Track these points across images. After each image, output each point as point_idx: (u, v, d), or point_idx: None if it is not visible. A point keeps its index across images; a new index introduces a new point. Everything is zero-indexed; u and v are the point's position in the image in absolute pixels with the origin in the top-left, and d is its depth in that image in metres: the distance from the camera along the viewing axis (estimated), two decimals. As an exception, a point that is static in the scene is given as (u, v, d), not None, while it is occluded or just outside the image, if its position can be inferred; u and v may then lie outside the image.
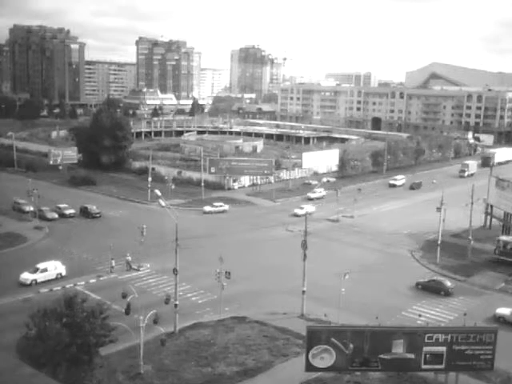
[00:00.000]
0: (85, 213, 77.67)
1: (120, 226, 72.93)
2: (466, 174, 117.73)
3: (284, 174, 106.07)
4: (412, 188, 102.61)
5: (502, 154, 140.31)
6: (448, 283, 53.34)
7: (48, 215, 74.94)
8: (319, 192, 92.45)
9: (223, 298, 46.39)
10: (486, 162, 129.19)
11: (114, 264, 56.32)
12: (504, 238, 63.58)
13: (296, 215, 78.13)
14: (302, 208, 79.12)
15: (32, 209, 76.31)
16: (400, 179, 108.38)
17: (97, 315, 33.53)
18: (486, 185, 73.84)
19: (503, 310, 46.94)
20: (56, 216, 75.62)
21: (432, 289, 52.83)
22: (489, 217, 75.33)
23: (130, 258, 57.36)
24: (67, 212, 77.33)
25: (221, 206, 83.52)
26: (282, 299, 49.30)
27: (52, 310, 33.23)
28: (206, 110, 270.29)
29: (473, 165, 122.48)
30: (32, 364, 32.93)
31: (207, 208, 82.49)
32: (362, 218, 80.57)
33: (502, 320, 46.16)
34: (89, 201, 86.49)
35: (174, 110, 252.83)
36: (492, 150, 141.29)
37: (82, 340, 32.38)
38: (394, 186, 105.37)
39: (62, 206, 78.63)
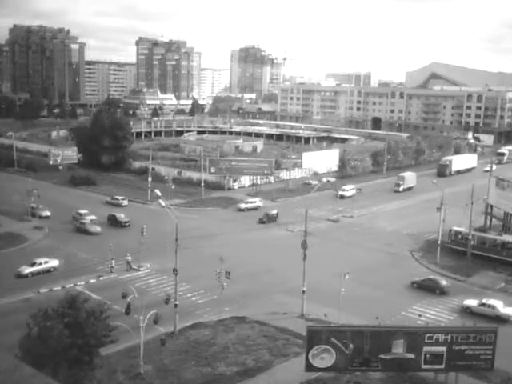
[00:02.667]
0: (113, 221, 72.66)
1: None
2: (401, 188, 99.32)
3: (284, 174, 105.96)
4: (262, 221, 76.36)
5: (459, 161, 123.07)
6: (443, 282, 53.55)
7: (91, 229, 68.97)
8: (252, 202, 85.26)
9: (223, 298, 46.41)
10: (442, 171, 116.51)
11: (113, 264, 56.34)
12: (456, 228, 66.18)
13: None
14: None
15: (49, 213, 74.55)
16: (349, 189, 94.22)
17: (98, 315, 33.50)
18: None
19: (470, 302, 48.50)
20: (99, 230, 69.14)
21: (427, 287, 53.05)
22: (489, 217, 75.25)
23: (130, 258, 57.40)
24: (88, 218, 72.77)
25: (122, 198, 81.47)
26: (282, 299, 49.31)
27: (54, 310, 33.20)
28: (205, 110, 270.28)
29: (410, 177, 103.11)
30: (32, 364, 32.92)
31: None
32: (361, 218, 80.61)
33: (468, 311, 47.79)
34: (89, 201, 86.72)
35: (174, 110, 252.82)
36: (448, 158, 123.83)
37: (83, 340, 32.36)
38: (342, 197, 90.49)
39: (82, 212, 74.48)
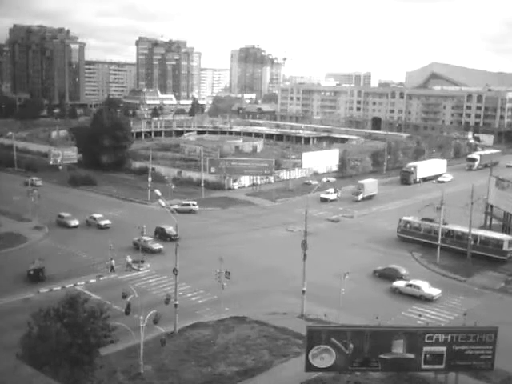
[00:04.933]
0: (162, 235, 66.50)
1: (122, 227, 72.71)
2: (361, 196, 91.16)
3: (284, 174, 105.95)
4: (29, 275, 52.58)
5: (425, 167, 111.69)
6: (403, 271, 55.91)
7: (154, 247, 62.58)
8: (185, 205, 79.50)
9: (223, 298, 46.40)
10: (405, 178, 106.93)
11: (114, 264, 56.13)
12: (405, 218, 70.49)
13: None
14: None
15: (77, 223, 71.94)
16: (332, 193, 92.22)
17: (97, 315, 33.49)
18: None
19: (399, 283, 52.87)
20: (162, 247, 62.75)
21: (388, 276, 55.41)
22: (489, 217, 75.29)
23: (130, 260, 57.14)
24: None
25: None
26: (281, 299, 49.30)
27: (54, 310, 33.21)
28: (205, 110, 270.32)
29: (371, 184, 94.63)
30: (33, 364, 32.95)
31: None
32: (361, 218, 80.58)
33: (397, 291, 52.32)
34: (89, 201, 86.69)
35: (173, 110, 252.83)
36: (413, 164, 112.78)
37: (83, 340, 32.36)
38: (325, 200, 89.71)
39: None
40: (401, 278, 54.44)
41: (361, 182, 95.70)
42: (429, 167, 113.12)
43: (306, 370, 34.14)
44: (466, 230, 62.53)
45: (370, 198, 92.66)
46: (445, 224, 65.30)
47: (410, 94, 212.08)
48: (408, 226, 69.06)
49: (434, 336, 33.67)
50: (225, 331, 42.89)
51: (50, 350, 31.44)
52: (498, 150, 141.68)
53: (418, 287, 51.40)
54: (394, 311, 47.53)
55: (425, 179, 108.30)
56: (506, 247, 61.31)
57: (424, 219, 67.98)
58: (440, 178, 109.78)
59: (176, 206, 78.32)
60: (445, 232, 64.66)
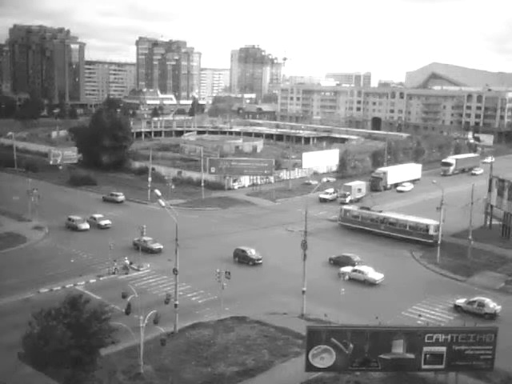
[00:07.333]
0: (242, 258, 59.17)
1: (122, 227, 72.70)
2: (348, 199, 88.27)
3: (284, 174, 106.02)
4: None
5: (397, 173, 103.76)
6: (356, 257, 59.24)
7: (154, 247, 62.66)
8: (116, 195, 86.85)
9: (223, 298, 46.39)
10: (375, 184, 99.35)
11: (116, 265, 55.63)
12: (345, 207, 76.39)
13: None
14: None
15: (88, 226, 70.64)
16: (331, 193, 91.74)
17: (99, 316, 33.48)
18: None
19: (345, 269, 55.26)
20: (162, 247, 62.29)
21: (341, 263, 57.99)
22: (489, 217, 75.31)
23: (128, 262, 56.82)
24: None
25: None
26: (282, 299, 49.28)
27: (56, 310, 33.18)
28: (205, 110, 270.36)
29: (359, 187, 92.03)
30: (34, 364, 32.95)
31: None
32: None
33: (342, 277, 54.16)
34: (89, 201, 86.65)
35: (174, 110, 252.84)
36: (383, 169, 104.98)
37: (85, 341, 32.35)
38: (325, 200, 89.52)
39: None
40: (353, 264, 57.29)
41: (347, 184, 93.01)
42: (401, 172, 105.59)
43: (305, 369, 34.15)
44: (397, 217, 70.50)
45: (358, 200, 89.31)
46: (379, 212, 71.96)
47: (410, 94, 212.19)
48: (348, 214, 73.76)
49: (434, 336, 33.66)
50: (225, 331, 42.88)
51: (52, 351, 31.44)
52: (476, 154, 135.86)
53: (361, 272, 54.54)
54: (394, 311, 47.43)
55: (396, 185, 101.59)
56: (431, 231, 66.11)
57: (362, 208, 74.11)
58: (399, 188, 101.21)
59: (104, 195, 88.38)
60: (380, 219, 70.94)
